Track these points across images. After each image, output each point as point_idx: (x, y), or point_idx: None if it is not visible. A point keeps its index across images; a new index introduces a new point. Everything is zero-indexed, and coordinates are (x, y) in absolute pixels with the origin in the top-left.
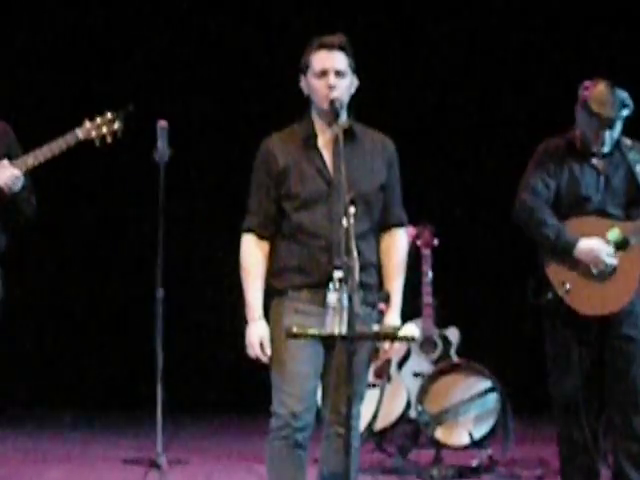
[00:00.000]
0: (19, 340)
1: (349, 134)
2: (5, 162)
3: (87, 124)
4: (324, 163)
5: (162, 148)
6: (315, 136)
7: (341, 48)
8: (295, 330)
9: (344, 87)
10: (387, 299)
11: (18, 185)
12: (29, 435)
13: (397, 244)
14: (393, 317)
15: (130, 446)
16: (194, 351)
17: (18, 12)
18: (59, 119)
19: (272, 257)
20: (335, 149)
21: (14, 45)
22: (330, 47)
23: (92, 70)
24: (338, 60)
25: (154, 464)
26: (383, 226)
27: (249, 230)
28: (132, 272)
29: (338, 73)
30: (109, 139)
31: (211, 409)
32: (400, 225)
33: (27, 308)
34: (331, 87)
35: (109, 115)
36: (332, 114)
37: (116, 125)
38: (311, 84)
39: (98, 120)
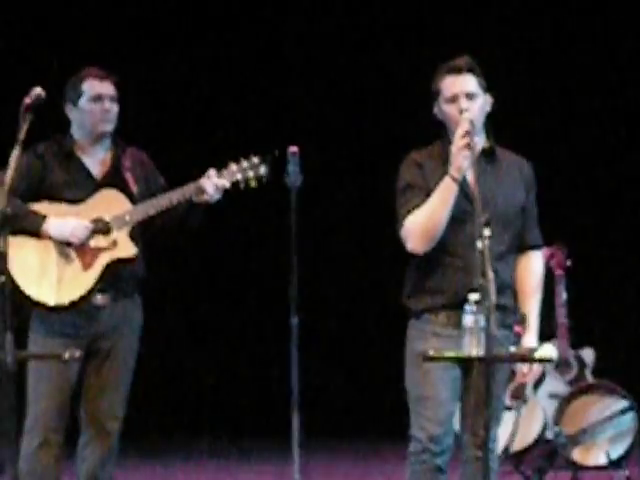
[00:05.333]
0: (154, 368)
1: (488, 155)
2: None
3: (233, 166)
4: (467, 183)
5: (294, 173)
6: None
7: (469, 70)
8: (432, 353)
9: (476, 109)
10: (523, 321)
11: (82, 236)
12: (165, 463)
13: (533, 266)
14: (531, 339)
15: (267, 473)
16: (330, 378)
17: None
18: (192, 148)
19: (406, 277)
20: (474, 169)
21: (152, 78)
22: (458, 71)
23: (225, 95)
24: (468, 83)
25: None
26: (520, 248)
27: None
28: (265, 299)
29: (469, 96)
30: (253, 183)
31: (348, 434)
32: (537, 247)
33: (161, 336)
34: (463, 110)
35: (255, 159)
36: (466, 135)
37: (262, 170)
38: (444, 110)
39: (244, 164)
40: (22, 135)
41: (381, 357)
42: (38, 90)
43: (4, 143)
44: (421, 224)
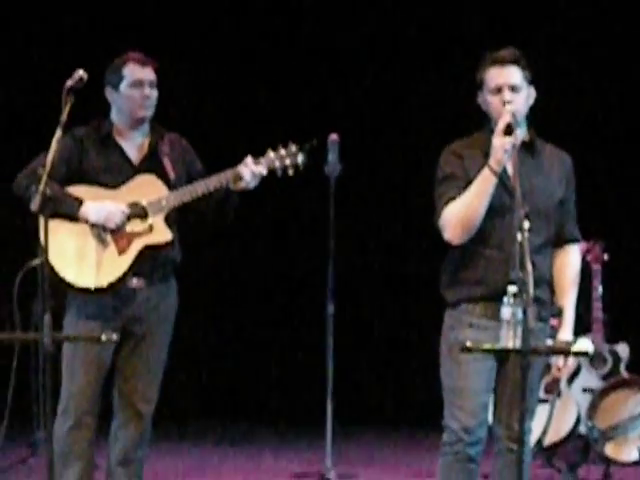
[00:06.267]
0: (190, 353)
1: (529, 147)
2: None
3: (270, 154)
4: (507, 175)
5: (333, 162)
6: None
7: (514, 62)
8: (469, 344)
9: (520, 101)
10: (559, 314)
11: (118, 220)
12: (198, 448)
13: (570, 260)
14: (566, 333)
15: (300, 459)
16: (364, 365)
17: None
18: (231, 134)
19: (444, 267)
20: (514, 161)
21: (191, 63)
22: (503, 62)
23: (266, 82)
24: (512, 75)
25: (324, 478)
26: (557, 242)
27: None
28: (302, 287)
29: (513, 88)
30: (291, 171)
31: (381, 423)
32: (574, 241)
33: (197, 321)
34: (506, 103)
35: (293, 148)
36: (508, 128)
37: (299, 158)
38: (487, 100)
39: (282, 151)
40: (64, 118)
41: (416, 346)
42: (80, 73)
43: (45, 126)
44: (458, 215)
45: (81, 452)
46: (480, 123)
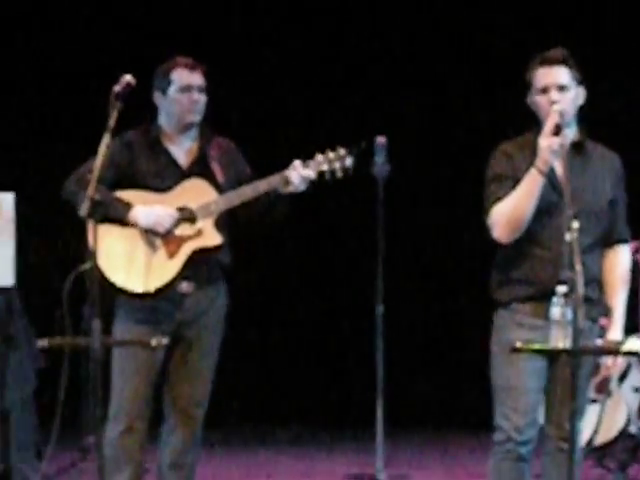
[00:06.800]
0: (240, 355)
1: (578, 148)
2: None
3: (319, 157)
4: (555, 175)
5: (381, 164)
6: None
7: (563, 62)
8: (518, 345)
9: (568, 101)
10: (609, 314)
11: (167, 224)
12: (250, 451)
13: (620, 260)
14: (616, 332)
15: (351, 462)
16: (414, 366)
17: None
18: (280, 138)
19: (494, 267)
20: (563, 162)
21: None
22: (551, 62)
23: (313, 85)
24: (560, 75)
25: None
26: (607, 241)
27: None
28: (352, 288)
29: (560, 88)
30: (339, 175)
31: (432, 424)
32: (624, 241)
33: (246, 323)
34: (554, 102)
35: (342, 151)
36: (556, 128)
37: (348, 162)
38: (535, 100)
39: (330, 154)
40: (112, 123)
41: (466, 347)
42: (128, 78)
43: (94, 131)
44: (506, 214)
45: (132, 456)
46: (530, 123)
